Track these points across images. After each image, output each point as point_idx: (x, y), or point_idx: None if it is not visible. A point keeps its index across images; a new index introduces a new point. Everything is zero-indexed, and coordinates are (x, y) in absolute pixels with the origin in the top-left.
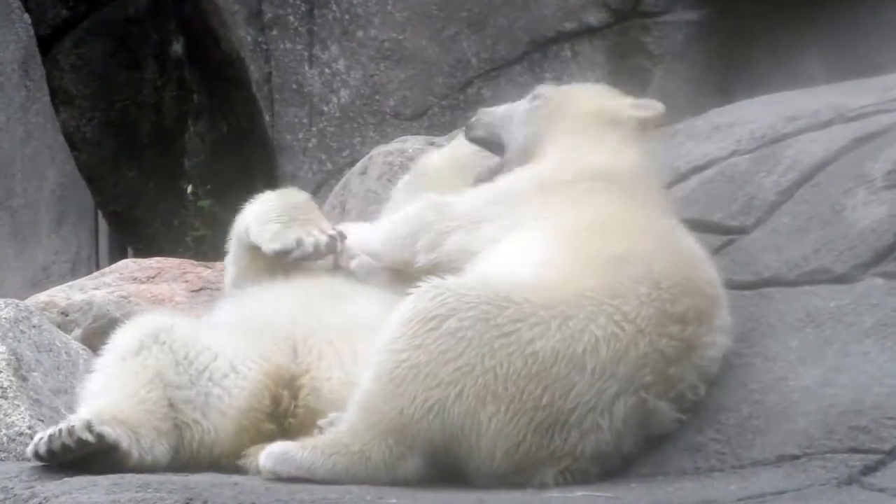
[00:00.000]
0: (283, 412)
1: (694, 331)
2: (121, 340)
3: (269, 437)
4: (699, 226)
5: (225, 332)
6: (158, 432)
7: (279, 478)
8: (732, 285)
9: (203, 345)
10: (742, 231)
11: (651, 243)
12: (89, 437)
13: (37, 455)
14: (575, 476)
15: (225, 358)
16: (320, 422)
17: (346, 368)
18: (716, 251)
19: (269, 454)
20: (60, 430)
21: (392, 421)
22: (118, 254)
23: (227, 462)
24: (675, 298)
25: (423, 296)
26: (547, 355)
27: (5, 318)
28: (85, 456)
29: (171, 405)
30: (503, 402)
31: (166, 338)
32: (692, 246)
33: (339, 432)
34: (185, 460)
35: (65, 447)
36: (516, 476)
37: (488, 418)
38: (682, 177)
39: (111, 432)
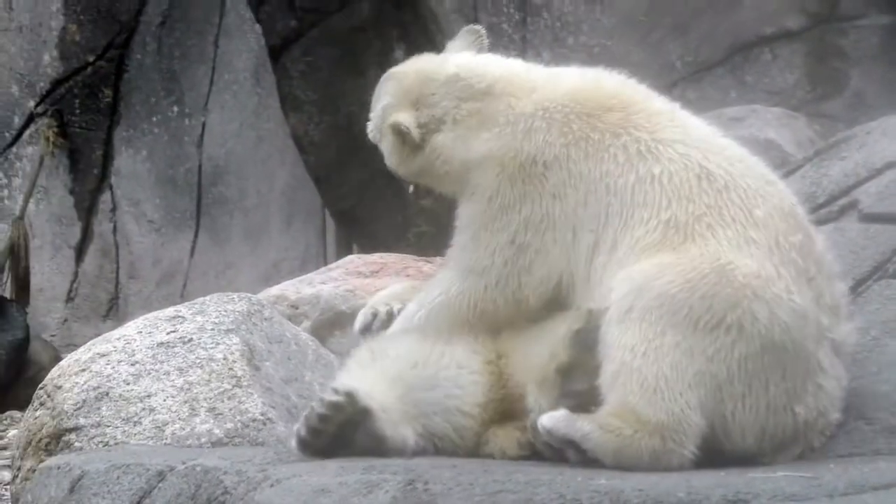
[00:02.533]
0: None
1: (814, 261)
2: (354, 356)
3: (496, 422)
4: (894, 218)
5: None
6: (406, 416)
7: (554, 436)
8: None
9: (430, 347)
10: None
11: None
12: (339, 398)
13: (301, 441)
14: (830, 430)
15: (450, 356)
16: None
17: (528, 351)
18: None
19: (553, 416)
20: (312, 407)
21: (659, 420)
22: (344, 250)
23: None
24: (798, 253)
25: (632, 318)
26: (753, 352)
27: (239, 312)
28: (346, 431)
29: (419, 409)
30: (737, 398)
31: (397, 343)
32: (766, 196)
33: (616, 415)
34: None
35: (321, 417)
36: (777, 452)
37: (731, 413)
38: (877, 172)
39: (360, 391)
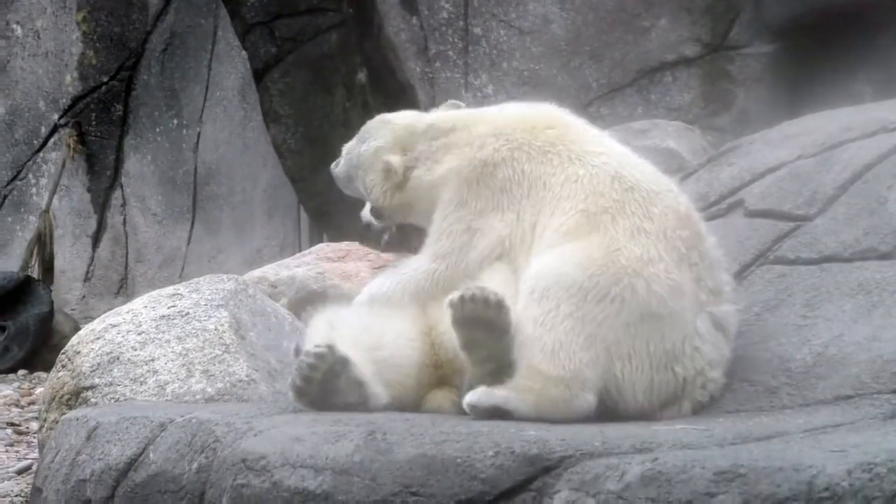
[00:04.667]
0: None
1: (698, 252)
2: (312, 326)
3: (437, 384)
4: (773, 214)
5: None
6: (373, 374)
7: (480, 409)
8: (800, 262)
9: (374, 318)
10: (806, 219)
11: (631, 207)
12: (322, 349)
13: (297, 389)
14: (712, 389)
15: (391, 326)
16: (462, 382)
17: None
18: (785, 235)
19: (475, 392)
20: (301, 359)
21: (560, 375)
22: (316, 239)
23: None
24: (683, 243)
25: (534, 298)
26: (634, 319)
27: (227, 290)
28: (330, 379)
29: (375, 366)
30: (625, 358)
31: (348, 314)
32: (664, 199)
33: (525, 377)
34: None
35: (310, 366)
36: (665, 407)
37: (620, 371)
38: (760, 175)
39: (337, 343)
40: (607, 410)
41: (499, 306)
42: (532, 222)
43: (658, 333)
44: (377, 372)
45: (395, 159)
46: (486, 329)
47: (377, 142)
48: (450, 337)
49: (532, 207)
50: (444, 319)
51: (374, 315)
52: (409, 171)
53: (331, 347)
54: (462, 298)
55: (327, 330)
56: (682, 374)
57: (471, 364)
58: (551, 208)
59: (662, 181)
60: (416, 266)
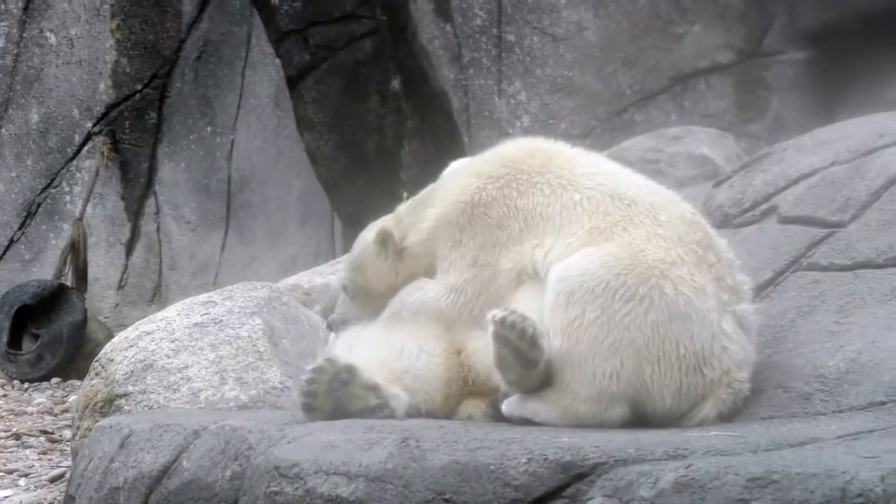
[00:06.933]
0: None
1: (713, 252)
2: (335, 350)
3: (469, 396)
4: (806, 220)
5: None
6: (389, 381)
7: (514, 419)
8: (833, 268)
9: (395, 335)
10: (840, 225)
11: (645, 223)
12: (320, 363)
13: (303, 406)
14: (738, 389)
15: (413, 341)
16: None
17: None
18: (819, 241)
19: (510, 401)
20: (301, 377)
21: (587, 393)
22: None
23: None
24: (698, 245)
25: (560, 304)
26: (664, 319)
27: (261, 298)
28: (338, 388)
29: (394, 375)
30: (654, 362)
31: (368, 333)
32: (668, 208)
33: (556, 390)
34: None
35: (309, 380)
36: (691, 410)
37: (650, 377)
38: (793, 182)
39: (339, 356)
40: (636, 415)
41: (532, 342)
42: (535, 245)
43: (687, 334)
44: (395, 379)
45: (387, 226)
46: (518, 356)
47: (364, 241)
48: (479, 359)
49: (534, 238)
50: (472, 342)
51: (394, 331)
52: (404, 243)
53: (330, 360)
54: (503, 321)
55: (346, 353)
56: (710, 376)
57: (502, 382)
58: (555, 235)
59: (663, 193)
60: (436, 292)
